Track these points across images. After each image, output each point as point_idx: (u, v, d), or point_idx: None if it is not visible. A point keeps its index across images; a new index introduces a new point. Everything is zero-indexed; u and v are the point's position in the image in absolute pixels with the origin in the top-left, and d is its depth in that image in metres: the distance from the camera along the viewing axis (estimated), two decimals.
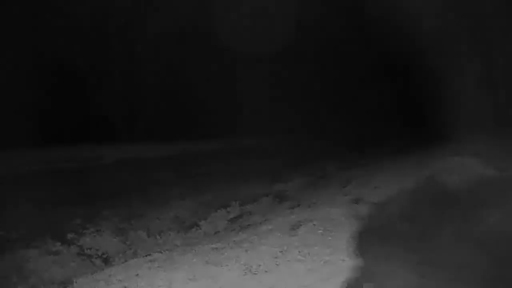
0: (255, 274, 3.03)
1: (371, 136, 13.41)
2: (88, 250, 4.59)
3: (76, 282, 3.24)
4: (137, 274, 3.11)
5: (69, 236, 4.87)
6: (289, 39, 16.57)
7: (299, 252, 3.41)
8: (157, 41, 16.49)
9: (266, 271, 3.07)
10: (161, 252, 4.11)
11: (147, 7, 16.14)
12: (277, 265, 3.18)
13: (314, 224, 4.02)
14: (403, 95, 17.81)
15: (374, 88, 19.06)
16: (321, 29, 19.57)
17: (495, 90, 13.59)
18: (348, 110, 17.86)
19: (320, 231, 3.84)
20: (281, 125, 16.30)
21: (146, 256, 3.86)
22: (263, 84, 19.15)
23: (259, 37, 16.44)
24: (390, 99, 17.51)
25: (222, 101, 19.40)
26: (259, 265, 3.16)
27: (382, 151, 9.36)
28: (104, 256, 3.96)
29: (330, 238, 3.61)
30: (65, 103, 14.52)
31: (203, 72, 17.01)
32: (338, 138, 12.43)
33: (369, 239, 2.42)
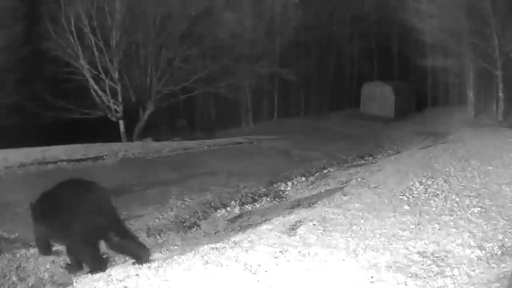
0: (254, 274, 3.03)
1: None
2: None
3: (76, 282, 3.23)
4: (137, 274, 3.11)
5: None
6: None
7: (299, 252, 3.41)
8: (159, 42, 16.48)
9: (266, 271, 3.07)
10: (161, 252, 4.11)
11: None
12: (277, 265, 3.17)
13: None
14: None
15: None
16: (322, 29, 19.59)
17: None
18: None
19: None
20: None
21: None
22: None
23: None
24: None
25: (222, 101, 19.40)
26: (259, 265, 3.15)
27: None
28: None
29: None
30: (67, 103, 14.52)
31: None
32: None
33: None
